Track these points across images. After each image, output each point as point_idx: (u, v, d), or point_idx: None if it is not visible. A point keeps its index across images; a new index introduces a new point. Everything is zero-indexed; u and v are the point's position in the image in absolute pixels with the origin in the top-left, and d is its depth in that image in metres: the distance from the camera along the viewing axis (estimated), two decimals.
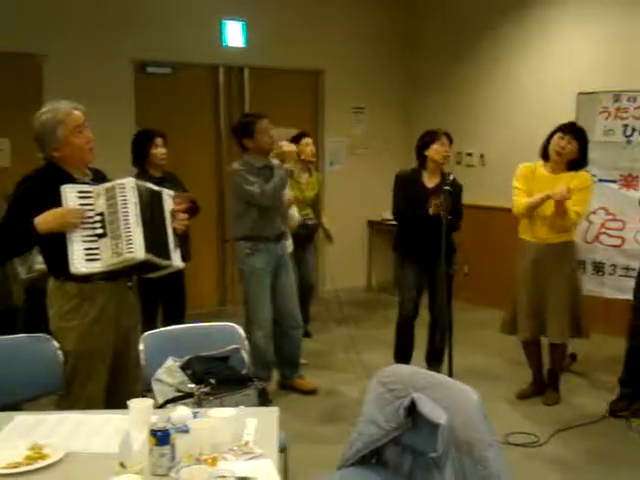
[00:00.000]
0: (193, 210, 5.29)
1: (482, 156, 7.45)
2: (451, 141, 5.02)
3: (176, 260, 3.27)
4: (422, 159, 4.98)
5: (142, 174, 4.98)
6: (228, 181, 5.00)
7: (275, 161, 4.77)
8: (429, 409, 2.23)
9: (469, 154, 7.54)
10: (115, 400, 3.17)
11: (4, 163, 5.76)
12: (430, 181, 4.94)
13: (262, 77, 7.30)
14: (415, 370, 2.53)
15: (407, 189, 4.94)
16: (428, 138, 4.96)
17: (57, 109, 3.15)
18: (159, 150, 5.14)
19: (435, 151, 4.89)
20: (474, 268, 7.27)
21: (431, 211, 4.64)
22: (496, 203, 6.63)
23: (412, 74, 8.12)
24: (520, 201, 4.61)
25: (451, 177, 4.55)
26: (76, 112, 3.17)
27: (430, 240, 4.58)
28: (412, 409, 2.29)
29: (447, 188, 4.37)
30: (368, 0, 7.79)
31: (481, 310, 6.84)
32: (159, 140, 5.17)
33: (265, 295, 4.84)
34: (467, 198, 5.07)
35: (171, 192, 3.39)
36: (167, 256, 3.20)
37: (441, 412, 2.19)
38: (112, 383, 3.26)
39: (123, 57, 6.46)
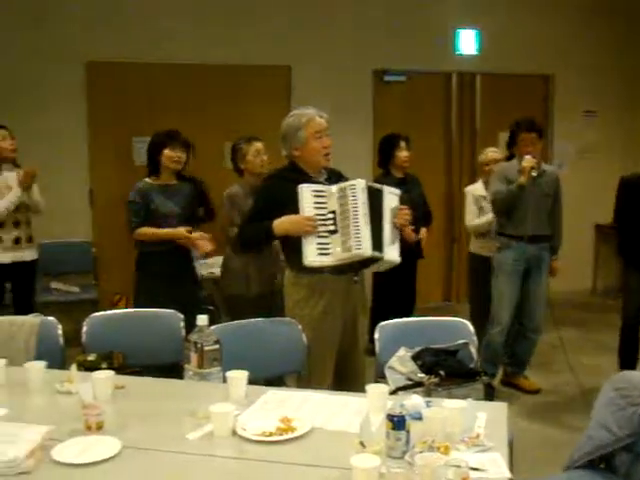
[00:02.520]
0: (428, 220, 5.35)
1: None
2: None
3: (390, 255, 3.27)
4: None
5: (386, 175, 5.14)
6: None
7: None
8: None
9: None
10: (344, 382, 3.28)
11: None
12: None
13: (493, 83, 7.16)
14: None
15: (631, 194, 4.60)
16: None
17: (303, 114, 3.31)
18: (403, 153, 5.25)
19: None
20: None
21: None
22: None
23: None
24: None
25: None
26: (319, 119, 3.30)
27: None
28: None
29: None
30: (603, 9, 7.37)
31: None
32: (403, 143, 5.28)
33: (510, 292, 4.68)
34: None
35: (396, 190, 3.41)
36: (382, 252, 3.22)
37: None
38: (341, 368, 3.37)
39: (365, 67, 6.64)
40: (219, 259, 5.01)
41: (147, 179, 4.16)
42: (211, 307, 4.70)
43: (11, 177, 4.63)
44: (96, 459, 2.03)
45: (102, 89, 6.11)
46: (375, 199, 3.26)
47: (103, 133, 6.15)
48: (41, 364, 2.68)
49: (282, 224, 3.19)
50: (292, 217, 3.18)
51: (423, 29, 6.76)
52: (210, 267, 5.00)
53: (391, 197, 3.34)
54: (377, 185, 3.36)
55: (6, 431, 2.20)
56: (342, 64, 6.54)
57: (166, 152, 4.11)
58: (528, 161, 4.44)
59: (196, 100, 6.28)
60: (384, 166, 5.33)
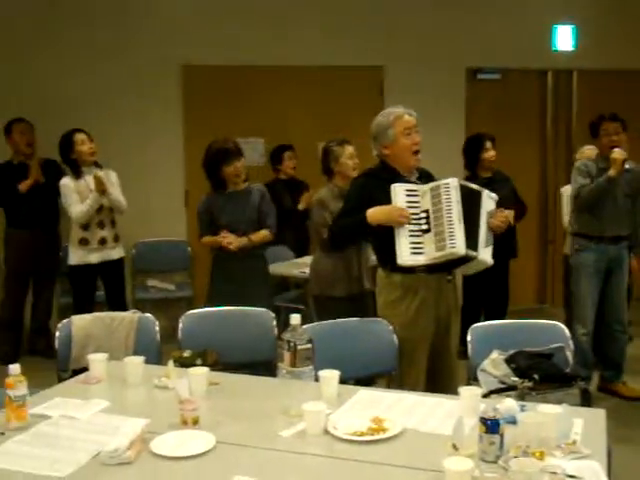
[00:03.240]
0: (522, 212, 5.24)
1: None
2: None
3: (484, 256, 3.23)
4: None
5: (472, 177, 5.06)
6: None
7: None
8: None
9: None
10: (436, 384, 3.25)
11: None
12: None
13: (591, 80, 6.92)
14: None
15: None
16: None
17: (391, 112, 3.31)
18: (489, 153, 5.16)
19: None
20: None
21: None
22: None
23: None
24: None
25: None
26: (407, 116, 3.30)
27: None
28: None
29: None
30: None
31: None
32: (489, 143, 5.19)
33: (592, 293, 4.58)
34: None
35: (494, 195, 3.37)
36: (476, 251, 3.18)
37: None
38: (433, 369, 3.34)
39: (458, 65, 6.56)
40: (310, 259, 5.06)
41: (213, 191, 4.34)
42: (302, 307, 4.74)
43: (92, 181, 4.81)
44: (192, 453, 2.08)
45: (197, 92, 6.25)
46: (471, 199, 3.23)
47: (197, 135, 6.28)
48: (140, 359, 2.77)
49: (375, 214, 3.19)
50: (385, 207, 3.18)
51: (518, 25, 6.61)
52: (301, 267, 5.05)
53: (489, 201, 3.32)
54: (476, 186, 3.33)
55: (108, 423, 2.29)
56: (435, 63, 6.47)
57: (225, 169, 4.23)
58: (618, 152, 4.29)
59: (289, 101, 6.34)
60: (470, 168, 5.25)
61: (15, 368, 2.28)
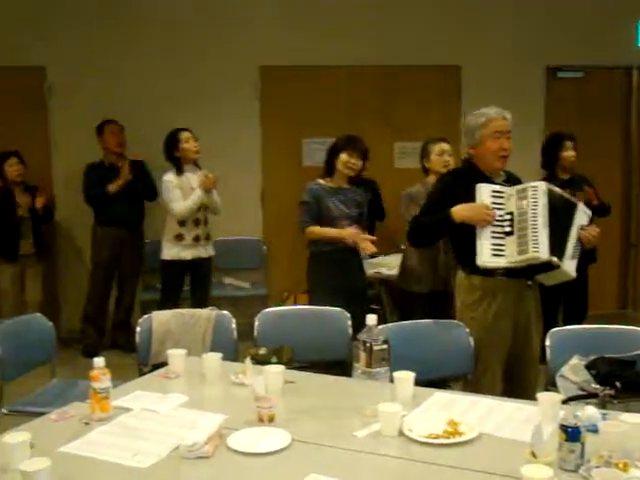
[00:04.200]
0: (604, 211, 5.08)
1: None
2: None
3: (568, 267, 3.15)
4: None
5: (550, 177, 4.93)
6: None
7: None
8: None
9: None
10: (514, 389, 3.19)
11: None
12: None
13: None
14: None
15: None
16: None
17: (482, 113, 3.27)
18: (569, 153, 5.03)
19: None
20: None
21: None
22: None
23: None
24: None
25: None
26: (500, 120, 3.24)
27: None
28: None
29: None
30: None
31: None
32: (569, 143, 5.06)
33: None
34: None
35: (589, 212, 3.30)
36: (561, 260, 3.11)
37: None
38: (511, 374, 3.28)
39: (538, 64, 6.43)
40: (384, 259, 5.06)
41: (320, 180, 4.25)
42: (377, 307, 4.73)
43: (193, 178, 4.91)
44: (268, 450, 2.10)
45: (274, 92, 6.31)
46: (565, 208, 3.19)
47: (274, 135, 6.36)
48: (217, 356, 2.82)
49: (460, 210, 3.15)
50: (470, 204, 3.14)
51: (603, 23, 6.42)
52: (375, 267, 5.04)
53: (583, 215, 3.26)
54: (572, 198, 3.27)
55: (187, 417, 2.34)
56: (513, 61, 6.36)
57: (342, 156, 4.18)
58: None
59: (365, 101, 6.34)
60: (549, 167, 5.11)
61: (99, 361, 2.36)
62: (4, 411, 3.29)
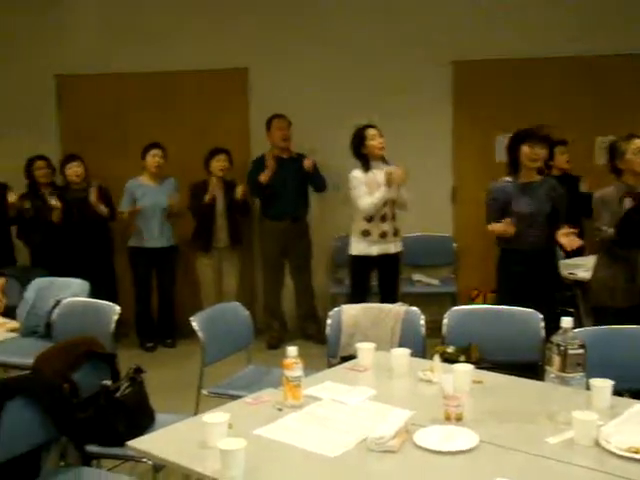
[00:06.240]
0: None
1: None
2: None
3: None
4: None
5: None
6: None
7: None
8: None
9: None
10: None
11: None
12: None
13: None
14: None
15: None
16: None
17: None
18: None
19: None
20: None
21: None
22: None
23: None
24: None
25: None
26: None
27: None
28: None
29: None
30: None
31: None
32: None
33: None
34: None
35: None
36: None
37: None
38: None
39: None
40: (580, 260, 4.80)
41: (507, 177, 4.14)
42: (572, 309, 4.52)
43: (380, 175, 4.95)
44: (455, 449, 2.08)
45: (467, 87, 6.20)
46: None
47: (467, 131, 6.25)
48: (406, 351, 2.83)
49: None
50: None
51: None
52: (571, 268, 4.80)
53: None
54: None
55: (375, 411, 2.38)
56: None
57: (524, 149, 4.05)
58: None
59: (562, 94, 6.03)
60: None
61: (292, 350, 2.46)
62: (205, 392, 3.52)
